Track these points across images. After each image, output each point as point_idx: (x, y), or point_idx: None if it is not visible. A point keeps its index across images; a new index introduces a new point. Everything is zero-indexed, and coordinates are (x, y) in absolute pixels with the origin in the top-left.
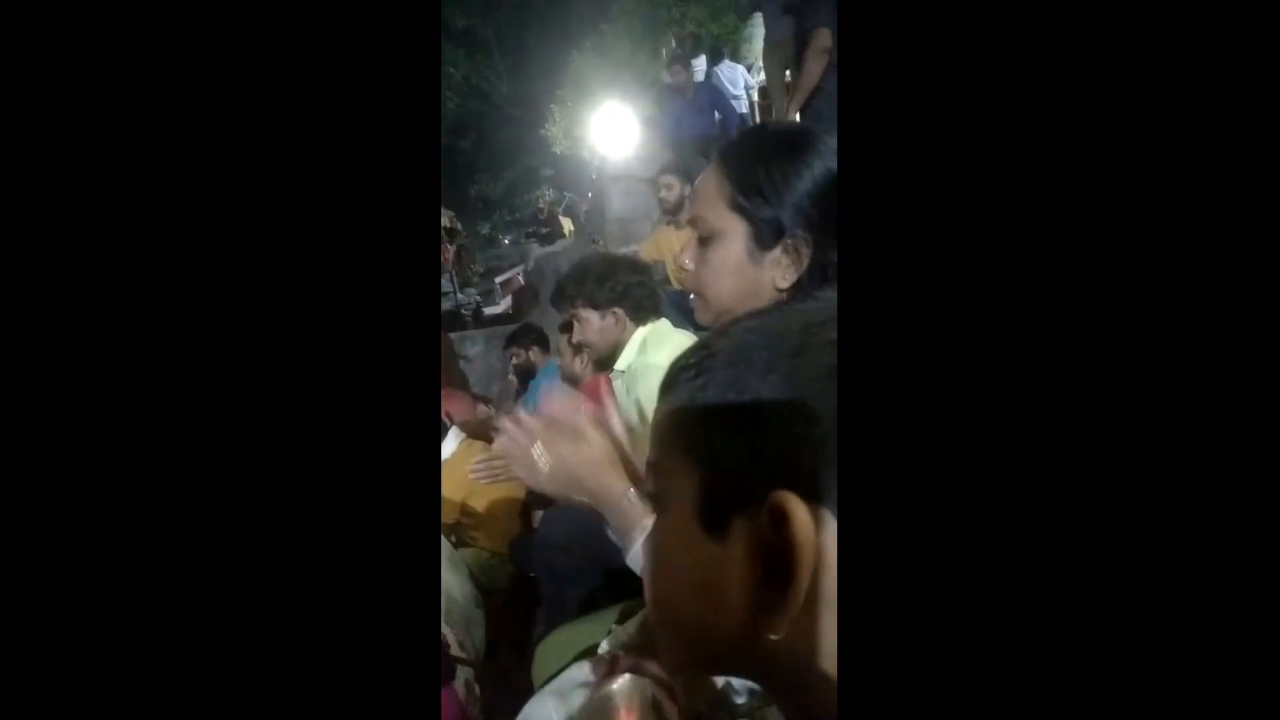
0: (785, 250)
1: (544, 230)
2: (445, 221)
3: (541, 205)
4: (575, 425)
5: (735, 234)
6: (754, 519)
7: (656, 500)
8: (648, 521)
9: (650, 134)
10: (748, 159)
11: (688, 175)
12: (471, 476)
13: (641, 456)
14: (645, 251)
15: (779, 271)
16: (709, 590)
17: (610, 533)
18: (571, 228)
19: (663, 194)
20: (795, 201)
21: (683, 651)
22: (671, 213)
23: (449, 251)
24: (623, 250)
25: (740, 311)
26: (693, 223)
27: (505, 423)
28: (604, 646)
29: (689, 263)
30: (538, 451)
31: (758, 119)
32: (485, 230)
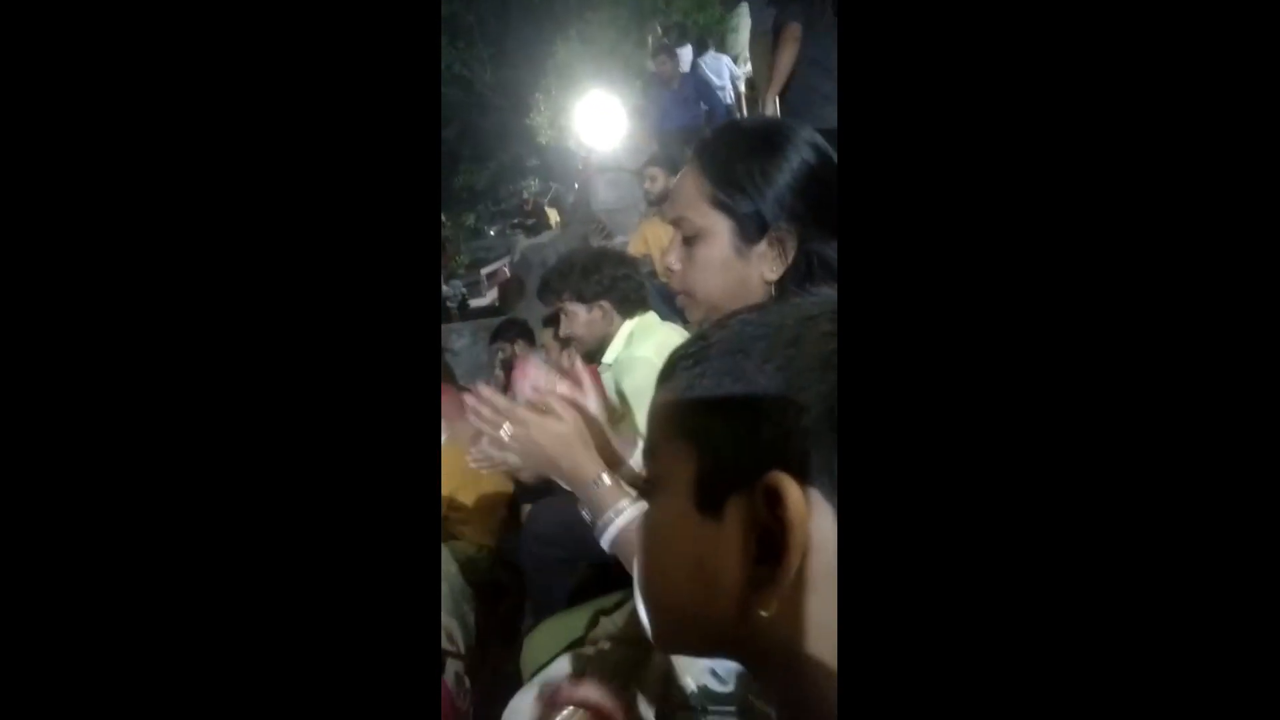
0: (770, 243)
1: (530, 221)
2: None
3: (527, 196)
4: (546, 403)
5: (720, 231)
6: (748, 499)
7: (652, 484)
8: (622, 504)
9: (636, 124)
10: (725, 156)
11: (673, 167)
12: (472, 465)
13: (620, 440)
14: (633, 245)
15: (766, 264)
16: (703, 569)
17: (584, 511)
18: (557, 219)
19: (647, 185)
20: (776, 194)
21: (674, 633)
22: (656, 204)
23: None
24: (610, 242)
25: (729, 307)
26: (676, 223)
27: (471, 402)
28: (587, 640)
29: (675, 263)
30: (506, 431)
31: (744, 111)
32: (470, 221)
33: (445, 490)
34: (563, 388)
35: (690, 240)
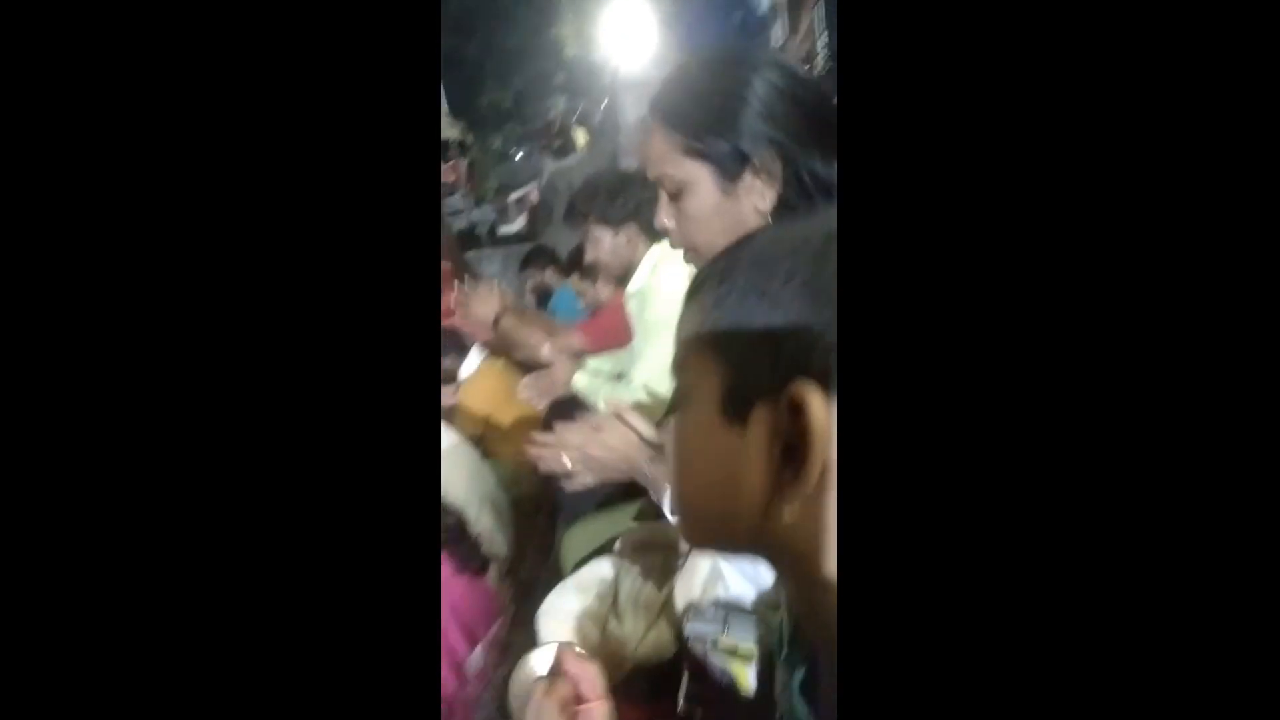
0: (755, 174)
1: (557, 143)
2: (456, 134)
3: (554, 116)
4: (595, 423)
5: (701, 178)
6: (772, 409)
7: (681, 396)
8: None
9: (666, 35)
10: (685, 101)
11: None
12: (523, 398)
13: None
14: None
15: (755, 196)
16: (729, 475)
17: (652, 493)
18: (585, 139)
19: None
20: (746, 125)
21: (703, 531)
22: None
23: (461, 167)
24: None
25: None
26: (657, 182)
27: (535, 449)
28: (619, 545)
29: (669, 221)
30: (566, 458)
31: (783, 17)
32: (497, 144)
33: (482, 412)
34: (610, 405)
35: (676, 196)
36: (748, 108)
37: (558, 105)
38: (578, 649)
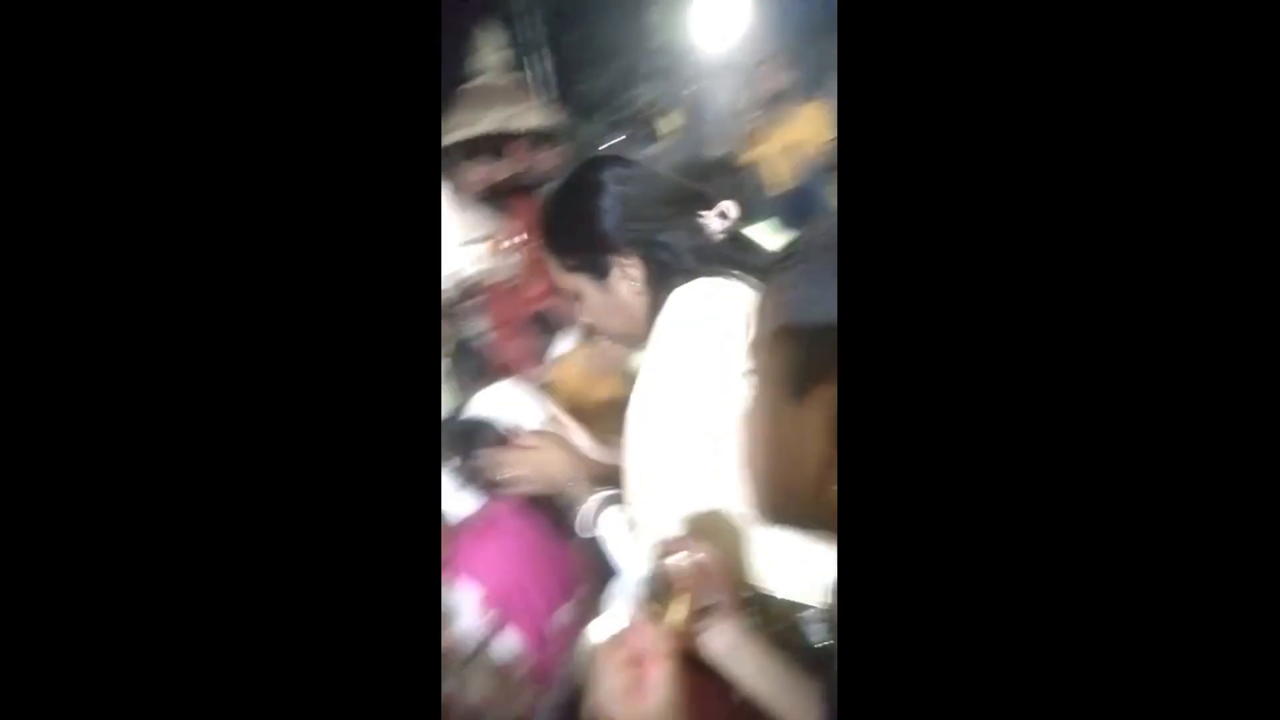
0: (622, 264)
1: (644, 131)
2: (551, 124)
3: (640, 105)
4: (531, 442)
5: (582, 284)
6: (830, 387)
7: (754, 374)
8: (590, 498)
9: (753, 16)
10: (551, 230)
11: (787, 63)
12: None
13: (602, 444)
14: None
15: (625, 284)
16: (790, 448)
17: (571, 511)
18: (665, 129)
19: (764, 83)
20: (598, 233)
21: (770, 503)
22: (766, 107)
23: (552, 156)
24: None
25: (637, 330)
26: (565, 294)
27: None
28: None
29: (587, 318)
30: (504, 472)
31: None
32: (587, 132)
33: (570, 390)
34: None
35: (578, 299)
36: (598, 215)
37: (645, 94)
38: (640, 614)
